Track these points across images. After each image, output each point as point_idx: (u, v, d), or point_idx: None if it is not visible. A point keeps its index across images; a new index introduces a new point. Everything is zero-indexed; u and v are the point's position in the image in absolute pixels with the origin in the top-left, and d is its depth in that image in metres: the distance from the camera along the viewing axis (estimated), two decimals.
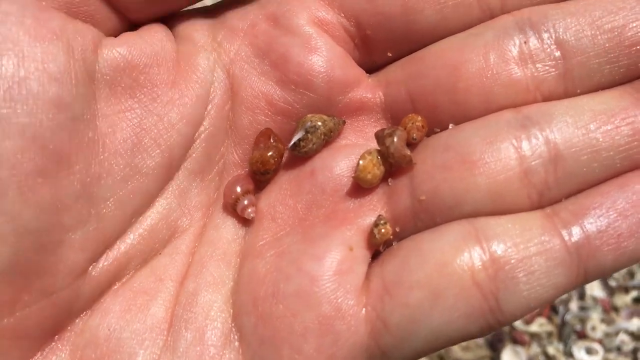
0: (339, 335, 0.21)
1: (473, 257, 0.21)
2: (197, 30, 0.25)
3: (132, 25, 0.24)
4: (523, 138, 0.22)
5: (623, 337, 0.72)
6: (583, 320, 0.73)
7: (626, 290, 0.75)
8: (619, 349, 0.71)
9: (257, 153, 0.24)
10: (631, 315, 0.73)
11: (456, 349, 0.73)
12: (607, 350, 0.71)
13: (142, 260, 0.23)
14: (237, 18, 0.25)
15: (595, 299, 0.75)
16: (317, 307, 0.22)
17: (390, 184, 0.24)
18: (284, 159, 0.25)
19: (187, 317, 0.23)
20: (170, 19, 0.25)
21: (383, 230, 0.23)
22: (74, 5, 0.22)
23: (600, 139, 0.22)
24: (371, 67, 0.26)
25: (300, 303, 0.22)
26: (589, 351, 0.70)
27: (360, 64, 0.26)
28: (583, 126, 0.22)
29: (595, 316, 0.73)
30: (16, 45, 0.20)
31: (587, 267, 0.21)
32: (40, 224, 0.20)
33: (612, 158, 0.22)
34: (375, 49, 0.25)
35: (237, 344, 0.22)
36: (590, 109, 0.22)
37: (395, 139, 0.23)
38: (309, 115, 0.25)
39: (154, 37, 0.24)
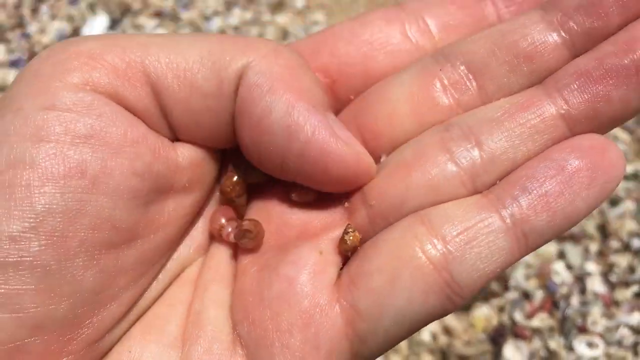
0: (320, 326, 0.24)
1: (421, 239, 0.24)
2: None
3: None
4: (447, 138, 0.26)
5: (624, 331, 0.72)
6: (584, 315, 0.74)
7: (627, 284, 0.76)
8: (619, 343, 0.72)
9: (225, 181, 0.28)
10: (632, 309, 0.74)
11: (458, 345, 0.73)
12: (608, 344, 0.72)
13: (159, 296, 0.27)
14: None
15: (596, 294, 0.75)
16: (298, 304, 0.24)
17: (346, 205, 0.27)
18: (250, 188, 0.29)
19: (196, 333, 0.25)
20: None
21: (352, 237, 0.26)
22: (145, 117, 0.25)
23: (510, 126, 0.25)
24: (336, 111, 0.30)
25: (283, 303, 0.24)
26: (590, 345, 0.71)
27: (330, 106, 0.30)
28: (497, 118, 0.26)
29: (596, 311, 0.74)
30: (108, 143, 0.23)
31: (524, 232, 0.24)
32: (98, 285, 0.23)
33: (526, 139, 0.25)
34: (341, 92, 0.29)
35: (239, 350, 0.25)
36: (498, 105, 0.26)
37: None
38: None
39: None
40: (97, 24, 1.03)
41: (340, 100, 0.30)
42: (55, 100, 0.22)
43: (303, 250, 0.26)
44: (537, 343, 0.73)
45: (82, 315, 0.23)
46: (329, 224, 0.27)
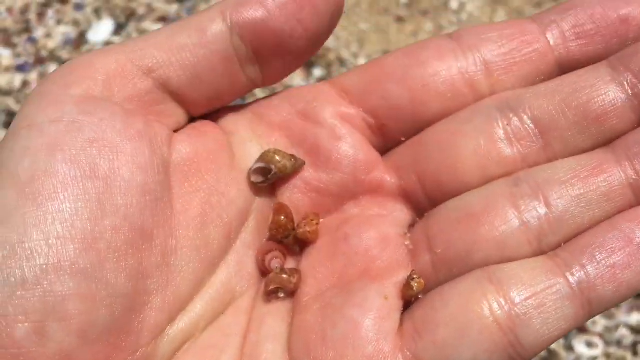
0: None
1: (489, 297, 0.24)
2: (240, 126, 0.29)
3: (190, 118, 0.29)
4: (516, 193, 0.26)
5: (623, 331, 0.72)
6: None
7: None
8: (619, 343, 0.72)
9: (274, 219, 0.29)
10: (631, 309, 0.74)
11: None
12: (607, 343, 0.72)
13: (209, 322, 0.27)
14: (271, 114, 0.30)
15: None
16: (362, 348, 0.25)
17: (409, 246, 0.28)
18: (320, 227, 0.30)
19: None
20: (215, 117, 0.30)
21: (417, 284, 0.26)
22: (150, 104, 0.26)
23: (579, 187, 0.26)
24: (384, 149, 0.31)
25: (347, 346, 0.25)
26: (589, 345, 0.71)
27: (377, 147, 0.30)
28: (567, 180, 0.26)
29: None
30: (111, 143, 0.24)
31: (590, 300, 0.24)
32: (130, 289, 0.24)
33: (593, 204, 0.26)
34: (390, 134, 0.30)
35: None
36: (567, 165, 0.27)
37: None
38: (271, 151, 0.29)
39: (211, 132, 0.28)
40: (103, 28, 1.05)
41: (389, 141, 0.30)
42: (62, 113, 0.24)
43: (369, 293, 0.26)
44: None
45: (121, 320, 0.24)
46: (392, 266, 0.27)
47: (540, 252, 0.26)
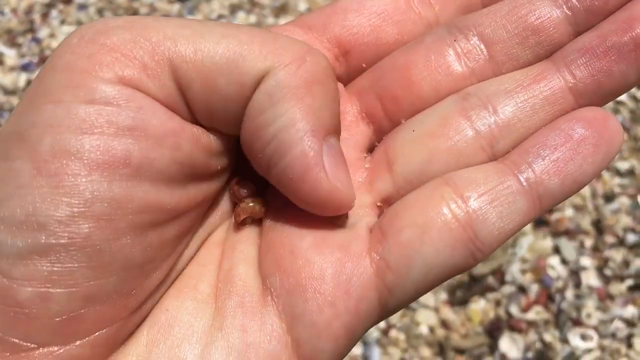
0: (351, 273, 0.26)
1: (446, 198, 0.26)
2: None
3: None
4: (467, 107, 0.28)
5: (618, 323, 0.73)
6: (578, 308, 0.75)
7: (621, 279, 0.77)
8: (613, 336, 0.73)
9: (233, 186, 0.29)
10: (626, 302, 0.75)
11: (456, 337, 0.74)
12: (602, 336, 0.73)
13: (190, 259, 0.28)
14: None
15: (590, 288, 0.76)
16: (330, 254, 0.26)
17: (367, 165, 0.29)
18: None
19: (228, 289, 0.27)
20: None
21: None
22: (173, 103, 0.26)
23: (525, 95, 0.28)
24: (348, 77, 0.32)
25: (315, 253, 0.26)
26: (584, 338, 0.72)
27: (342, 74, 0.32)
28: (512, 89, 0.28)
29: (590, 304, 0.75)
30: (150, 134, 0.24)
31: (539, 194, 0.26)
32: (144, 259, 0.24)
33: (538, 108, 0.28)
34: (354, 61, 0.31)
35: (270, 299, 0.26)
36: (512, 77, 0.29)
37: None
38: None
39: None
40: None
41: (353, 69, 0.31)
42: (95, 94, 0.24)
43: None
44: (532, 336, 0.74)
45: (130, 285, 0.24)
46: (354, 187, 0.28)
47: (493, 158, 0.28)
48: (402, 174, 0.28)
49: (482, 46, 0.30)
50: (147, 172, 0.24)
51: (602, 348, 0.72)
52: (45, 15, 1.09)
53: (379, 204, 0.28)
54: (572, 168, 0.27)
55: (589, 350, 0.71)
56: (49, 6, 1.10)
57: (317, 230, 0.27)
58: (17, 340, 0.23)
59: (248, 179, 0.30)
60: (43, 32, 1.07)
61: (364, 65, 0.31)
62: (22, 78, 1.00)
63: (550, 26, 0.29)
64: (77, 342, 0.23)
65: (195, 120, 0.27)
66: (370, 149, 0.31)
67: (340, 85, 0.31)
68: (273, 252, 0.27)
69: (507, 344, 0.73)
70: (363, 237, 0.27)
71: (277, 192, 0.28)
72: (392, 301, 0.26)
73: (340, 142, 0.29)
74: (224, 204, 0.30)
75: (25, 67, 1.02)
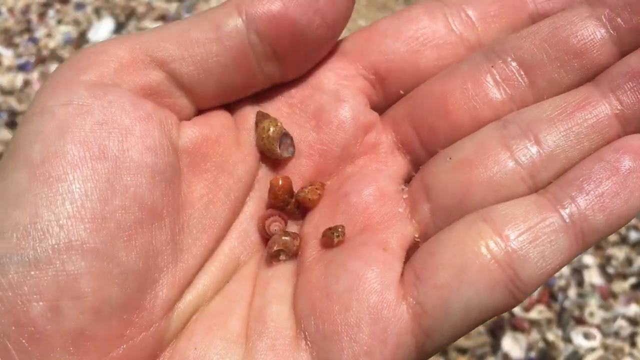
0: (387, 322, 0.25)
1: (484, 236, 0.25)
2: (244, 100, 0.30)
3: (199, 112, 0.29)
4: (506, 135, 0.27)
5: (621, 322, 0.73)
6: (581, 307, 0.74)
7: (624, 277, 0.76)
8: (616, 334, 0.72)
9: (271, 188, 0.29)
10: (629, 301, 0.74)
11: None
12: (605, 335, 0.72)
13: (216, 291, 0.28)
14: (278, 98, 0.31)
15: (593, 286, 0.76)
16: (366, 300, 0.25)
17: (405, 196, 0.29)
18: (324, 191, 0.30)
19: (259, 328, 0.26)
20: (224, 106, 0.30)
21: (337, 239, 0.28)
22: (160, 96, 0.27)
23: (568, 123, 0.27)
24: (386, 103, 0.31)
25: (351, 298, 0.25)
26: (587, 336, 0.72)
27: (379, 103, 0.31)
28: (555, 116, 0.27)
29: (593, 302, 0.74)
30: (120, 125, 0.25)
31: (583, 230, 0.25)
32: (141, 267, 0.24)
33: (582, 137, 0.27)
34: (391, 88, 0.31)
35: (304, 344, 0.25)
36: (553, 103, 0.27)
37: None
38: (268, 122, 0.29)
39: (219, 116, 0.29)
40: (103, 28, 1.05)
41: (390, 96, 0.31)
42: (73, 97, 0.25)
43: (369, 246, 0.26)
44: (535, 335, 0.73)
45: (134, 297, 0.24)
46: (391, 219, 0.28)
47: (534, 189, 0.26)
48: (441, 204, 0.27)
49: (521, 72, 0.28)
50: (124, 163, 0.24)
51: (606, 347, 0.71)
52: (42, 15, 1.09)
53: (416, 236, 0.27)
54: (618, 203, 0.25)
55: (592, 349, 0.71)
56: (46, 6, 1.10)
57: (353, 271, 0.26)
58: None
59: (277, 213, 0.29)
60: (40, 32, 1.06)
61: (401, 92, 0.30)
62: (19, 78, 1.00)
63: (593, 48, 0.27)
64: None
65: (193, 100, 0.28)
66: (408, 180, 0.30)
67: (375, 115, 0.31)
68: (309, 293, 0.26)
69: (510, 343, 0.72)
70: (397, 278, 0.26)
71: (313, 231, 0.28)
72: (430, 344, 0.25)
73: (378, 175, 0.29)
74: (252, 236, 0.29)
75: (22, 67, 1.01)
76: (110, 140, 0.24)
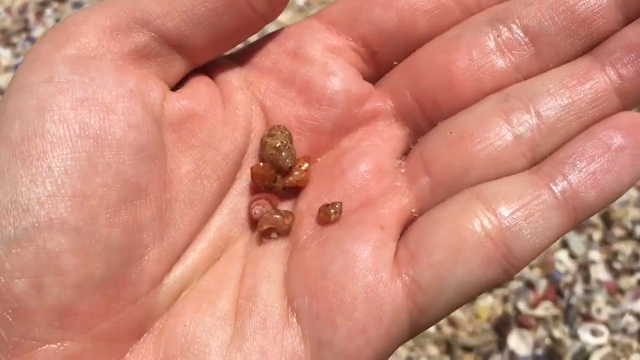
0: (382, 300, 0.25)
1: (479, 215, 0.25)
2: (231, 75, 0.30)
3: (192, 67, 0.29)
4: (507, 109, 0.27)
5: (628, 318, 0.72)
6: (588, 303, 0.74)
7: (631, 272, 0.76)
8: (624, 330, 0.71)
9: (252, 171, 0.29)
10: (636, 296, 0.73)
11: (463, 335, 0.73)
12: (613, 331, 0.71)
13: (205, 268, 0.28)
14: (262, 59, 0.30)
15: (600, 282, 0.75)
16: (362, 278, 0.25)
17: (402, 170, 0.28)
18: (314, 167, 0.30)
19: (249, 307, 0.26)
20: (208, 69, 0.30)
21: (333, 215, 0.28)
22: (149, 58, 0.26)
23: (568, 96, 0.27)
24: (378, 75, 0.31)
25: (347, 278, 0.25)
26: (595, 333, 0.71)
27: (371, 75, 0.31)
28: (553, 90, 0.27)
29: (600, 298, 0.74)
30: (102, 102, 0.24)
31: (574, 207, 0.25)
32: (125, 243, 0.24)
33: (582, 111, 0.27)
34: (382, 60, 0.30)
35: (295, 323, 0.25)
36: (556, 76, 0.27)
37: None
38: (270, 140, 0.29)
39: (205, 87, 0.29)
40: None
41: (382, 67, 0.30)
42: (53, 74, 0.24)
43: (365, 225, 0.26)
44: (541, 332, 0.73)
45: (118, 273, 0.24)
46: (388, 195, 0.28)
47: (534, 163, 0.27)
48: (440, 180, 0.27)
49: (526, 40, 0.28)
50: (106, 141, 0.24)
51: (613, 343, 0.71)
52: (39, 14, 1.08)
53: (413, 211, 0.27)
54: (609, 179, 0.25)
55: (599, 346, 0.70)
56: (44, 5, 1.09)
57: (348, 251, 0.26)
58: (18, 339, 0.23)
59: (264, 197, 0.29)
60: (38, 32, 1.05)
61: (395, 63, 0.30)
62: None
63: (599, 15, 0.27)
64: (76, 338, 0.23)
65: (186, 55, 0.27)
66: (406, 152, 0.30)
67: (369, 86, 0.30)
68: (302, 272, 0.26)
69: (516, 340, 0.72)
70: (392, 257, 0.26)
71: (308, 207, 0.28)
72: (424, 320, 0.25)
73: (375, 150, 0.29)
74: (243, 213, 0.29)
75: None
76: (92, 118, 0.24)
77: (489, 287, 0.25)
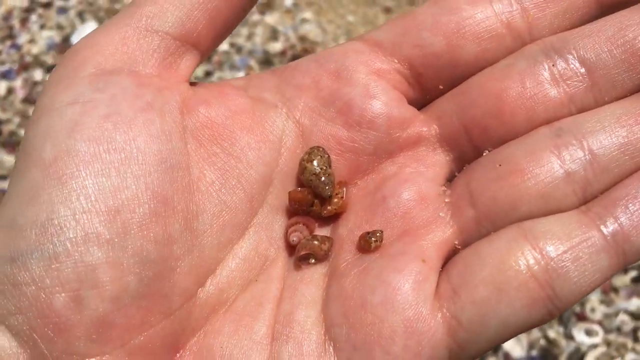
0: (421, 335, 0.25)
1: (525, 254, 0.25)
2: (266, 91, 0.30)
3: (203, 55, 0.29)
4: (560, 145, 0.26)
5: (623, 317, 0.72)
6: (582, 302, 0.73)
7: (625, 270, 0.75)
8: (619, 330, 0.71)
9: (290, 195, 0.29)
10: (630, 295, 0.73)
11: None
12: (607, 331, 0.71)
13: (241, 287, 0.27)
14: (302, 77, 0.30)
15: None
16: (402, 312, 0.25)
17: (447, 199, 0.28)
18: (354, 190, 0.29)
19: (286, 333, 0.26)
20: (241, 83, 0.30)
21: (374, 244, 0.27)
22: (166, 58, 0.27)
23: (625, 136, 0.26)
24: (424, 99, 0.30)
25: (386, 310, 0.25)
26: (589, 333, 0.71)
27: (416, 99, 0.30)
28: (609, 127, 0.26)
29: (594, 298, 0.73)
30: (124, 117, 0.25)
31: (624, 250, 0.25)
32: (157, 255, 0.25)
33: (638, 151, 0.26)
34: (428, 84, 0.30)
35: (332, 351, 0.25)
36: (612, 112, 0.27)
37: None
38: (310, 166, 0.29)
39: (232, 94, 0.29)
40: (87, 31, 1.04)
41: (428, 90, 0.30)
42: (77, 95, 0.25)
43: (407, 257, 0.26)
44: (536, 333, 0.72)
45: (151, 285, 0.24)
46: (431, 225, 0.27)
47: (584, 202, 0.26)
48: (486, 214, 0.27)
49: (582, 71, 0.27)
50: (132, 154, 0.25)
51: (608, 343, 0.70)
52: (24, 21, 1.07)
53: (456, 242, 0.27)
54: None
55: (594, 346, 0.70)
56: (28, 11, 1.08)
57: (389, 283, 0.25)
58: (59, 354, 0.23)
59: (301, 221, 0.29)
60: (23, 38, 1.04)
61: (441, 87, 0.29)
62: (2, 86, 0.98)
63: None
64: (114, 352, 0.24)
65: (198, 48, 0.28)
66: (449, 179, 0.29)
67: (412, 110, 0.30)
68: (342, 301, 0.26)
69: (511, 342, 0.72)
70: (433, 291, 0.25)
71: (348, 234, 0.28)
72: (463, 356, 0.25)
73: (418, 177, 0.28)
74: (278, 230, 0.29)
75: (5, 75, 0.99)
76: (117, 132, 0.25)
77: (531, 327, 0.25)
